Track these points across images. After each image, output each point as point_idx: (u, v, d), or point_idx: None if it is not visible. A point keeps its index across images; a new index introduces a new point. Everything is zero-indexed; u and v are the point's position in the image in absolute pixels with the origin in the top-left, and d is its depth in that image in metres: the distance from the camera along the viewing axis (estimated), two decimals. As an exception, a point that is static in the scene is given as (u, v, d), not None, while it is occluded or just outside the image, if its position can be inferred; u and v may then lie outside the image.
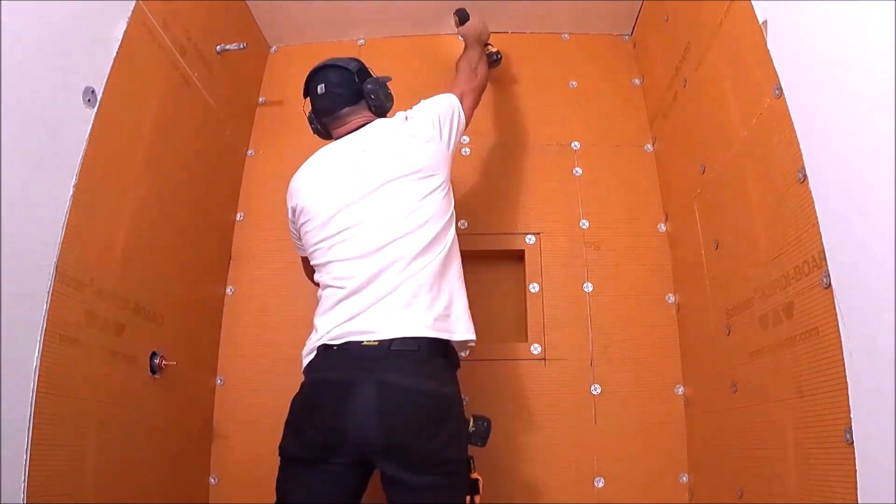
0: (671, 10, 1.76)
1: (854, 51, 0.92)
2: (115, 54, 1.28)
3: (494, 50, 1.93)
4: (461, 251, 1.85)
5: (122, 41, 1.30)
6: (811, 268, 1.04)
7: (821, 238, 1.00)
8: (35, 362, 1.05)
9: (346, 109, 1.47)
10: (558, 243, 1.86)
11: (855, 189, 0.92)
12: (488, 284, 1.91)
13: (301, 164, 1.45)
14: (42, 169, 1.09)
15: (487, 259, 1.92)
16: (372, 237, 1.29)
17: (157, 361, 1.45)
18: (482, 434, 1.24)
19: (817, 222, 1.00)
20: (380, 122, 1.46)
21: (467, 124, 1.54)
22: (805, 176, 1.04)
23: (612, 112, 2.02)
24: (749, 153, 1.28)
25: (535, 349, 1.76)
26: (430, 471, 1.16)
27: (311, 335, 1.32)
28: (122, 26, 1.31)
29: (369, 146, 1.40)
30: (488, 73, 1.75)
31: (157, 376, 1.46)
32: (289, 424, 1.27)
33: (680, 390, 1.71)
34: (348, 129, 1.46)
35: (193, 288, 1.70)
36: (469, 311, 1.34)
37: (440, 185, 1.37)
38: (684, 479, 1.63)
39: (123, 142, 1.34)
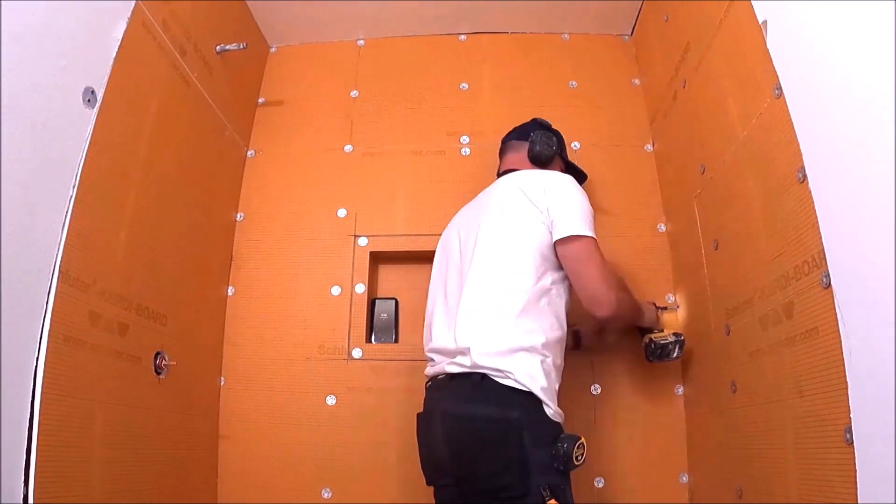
0: (671, 10, 1.76)
1: (854, 51, 0.92)
2: (115, 54, 1.28)
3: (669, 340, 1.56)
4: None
5: (122, 41, 1.30)
6: (811, 268, 1.04)
7: (821, 238, 1.00)
8: (35, 363, 1.05)
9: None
10: (558, 243, 1.86)
11: (855, 189, 0.92)
12: (488, 284, 1.90)
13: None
14: (42, 169, 1.09)
15: (487, 259, 1.91)
16: None
17: (159, 362, 1.45)
18: (563, 457, 1.18)
19: (817, 222, 1.00)
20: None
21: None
22: (805, 176, 1.04)
23: (611, 112, 2.02)
24: (749, 153, 1.28)
25: (536, 349, 1.75)
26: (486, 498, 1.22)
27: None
28: (122, 26, 1.31)
29: None
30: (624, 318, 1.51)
31: (161, 377, 1.46)
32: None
33: (680, 390, 1.71)
34: None
35: (196, 288, 1.70)
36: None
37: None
38: (684, 479, 1.63)
39: (123, 142, 1.34)
